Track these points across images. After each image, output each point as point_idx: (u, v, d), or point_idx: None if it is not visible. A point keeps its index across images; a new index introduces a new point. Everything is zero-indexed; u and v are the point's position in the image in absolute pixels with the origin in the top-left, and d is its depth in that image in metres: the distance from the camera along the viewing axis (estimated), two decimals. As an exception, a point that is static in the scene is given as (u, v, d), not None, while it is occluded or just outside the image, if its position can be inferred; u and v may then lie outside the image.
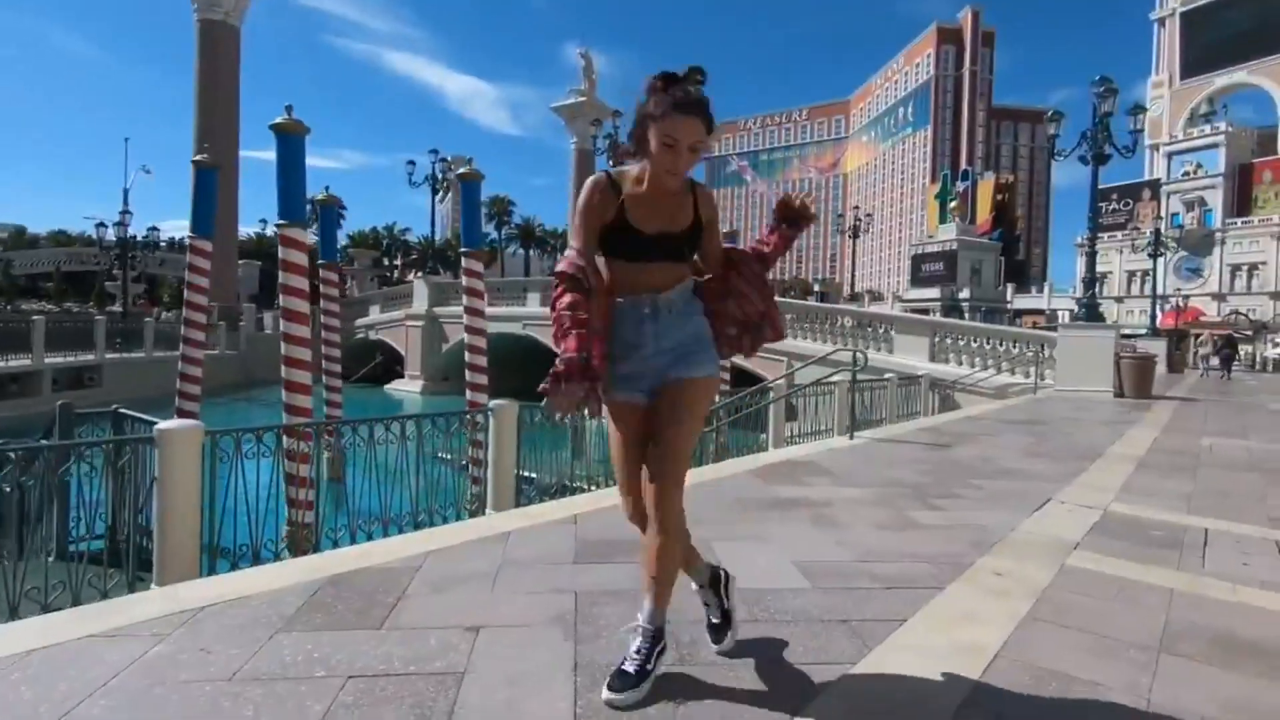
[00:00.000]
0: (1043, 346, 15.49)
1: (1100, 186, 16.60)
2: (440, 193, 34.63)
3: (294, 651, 2.03)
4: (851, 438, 6.95)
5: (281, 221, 9.54)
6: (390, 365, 29.95)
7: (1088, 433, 7.96)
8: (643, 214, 1.83)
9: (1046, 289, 70.92)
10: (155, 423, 4.47)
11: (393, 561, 2.84)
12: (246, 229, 51.13)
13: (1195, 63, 68.56)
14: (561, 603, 2.46)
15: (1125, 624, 2.45)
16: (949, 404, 13.52)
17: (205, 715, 1.71)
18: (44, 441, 5.68)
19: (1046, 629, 2.38)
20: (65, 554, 4.94)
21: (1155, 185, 65.62)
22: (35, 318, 20.28)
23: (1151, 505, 4.34)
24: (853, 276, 63.11)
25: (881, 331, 18.42)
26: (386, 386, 28.50)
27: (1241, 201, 61.09)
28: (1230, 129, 62.82)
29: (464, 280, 12.60)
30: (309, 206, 16.97)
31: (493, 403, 6.01)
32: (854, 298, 56.84)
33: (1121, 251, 64.75)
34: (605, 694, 1.80)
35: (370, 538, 5.05)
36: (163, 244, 44.16)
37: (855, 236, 50.42)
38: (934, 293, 59.41)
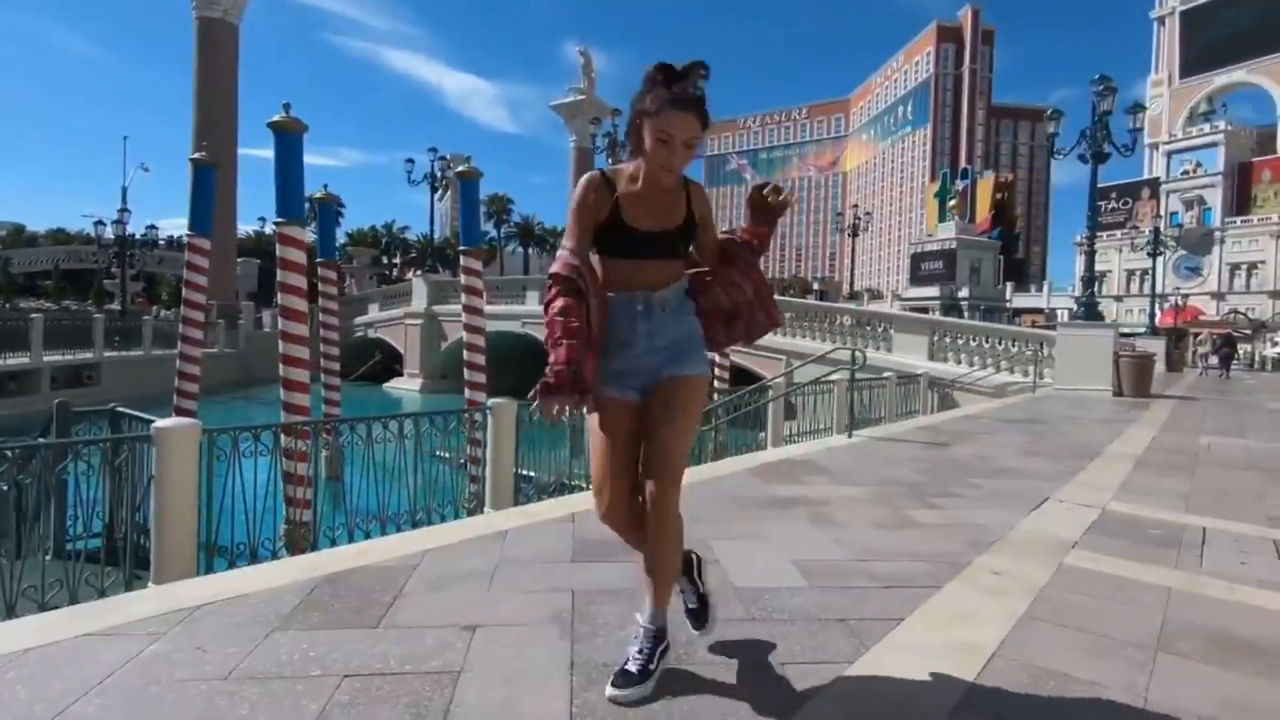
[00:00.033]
0: (1041, 345, 15.50)
1: (1099, 185, 16.61)
2: (439, 191, 34.63)
3: (290, 650, 2.03)
4: (850, 436, 6.95)
5: (280, 219, 9.52)
6: (389, 363, 29.93)
7: (1086, 431, 7.96)
8: (637, 211, 1.83)
9: (1046, 288, 70.90)
10: (153, 421, 4.46)
11: (390, 560, 2.83)
12: (245, 227, 51.10)
13: (1195, 61, 68.56)
14: (559, 601, 2.46)
15: (1123, 623, 2.45)
16: (948, 403, 13.52)
17: (200, 714, 1.71)
18: (41, 440, 5.67)
19: (1044, 628, 2.38)
20: (63, 552, 4.94)
21: (1154, 184, 65.63)
22: (34, 316, 20.27)
23: (1150, 504, 4.34)
24: (852, 275, 63.19)
25: (880, 330, 18.43)
26: (385, 385, 28.49)
27: (1241, 200, 61.12)
28: (1229, 128, 62.83)
29: (463, 279, 12.59)
30: (307, 204, 16.95)
31: (491, 401, 6.00)
32: (853, 296, 56.91)
33: (1121, 250, 64.77)
34: (609, 690, 1.80)
35: (368, 536, 5.05)
36: (161, 242, 44.18)
37: (854, 235, 50.47)
38: (933, 291, 59.42)
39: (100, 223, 33.11)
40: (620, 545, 2.13)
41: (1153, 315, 37.28)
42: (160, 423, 4.19)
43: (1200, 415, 10.43)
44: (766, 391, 9.41)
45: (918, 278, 65.54)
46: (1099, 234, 24.66)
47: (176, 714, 1.71)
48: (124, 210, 30.84)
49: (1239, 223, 59.44)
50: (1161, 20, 72.27)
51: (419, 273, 34.09)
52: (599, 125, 24.33)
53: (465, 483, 6.86)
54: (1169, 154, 65.95)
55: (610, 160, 21.16)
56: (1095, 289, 15.75)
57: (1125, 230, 65.00)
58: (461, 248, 13.12)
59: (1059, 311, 50.52)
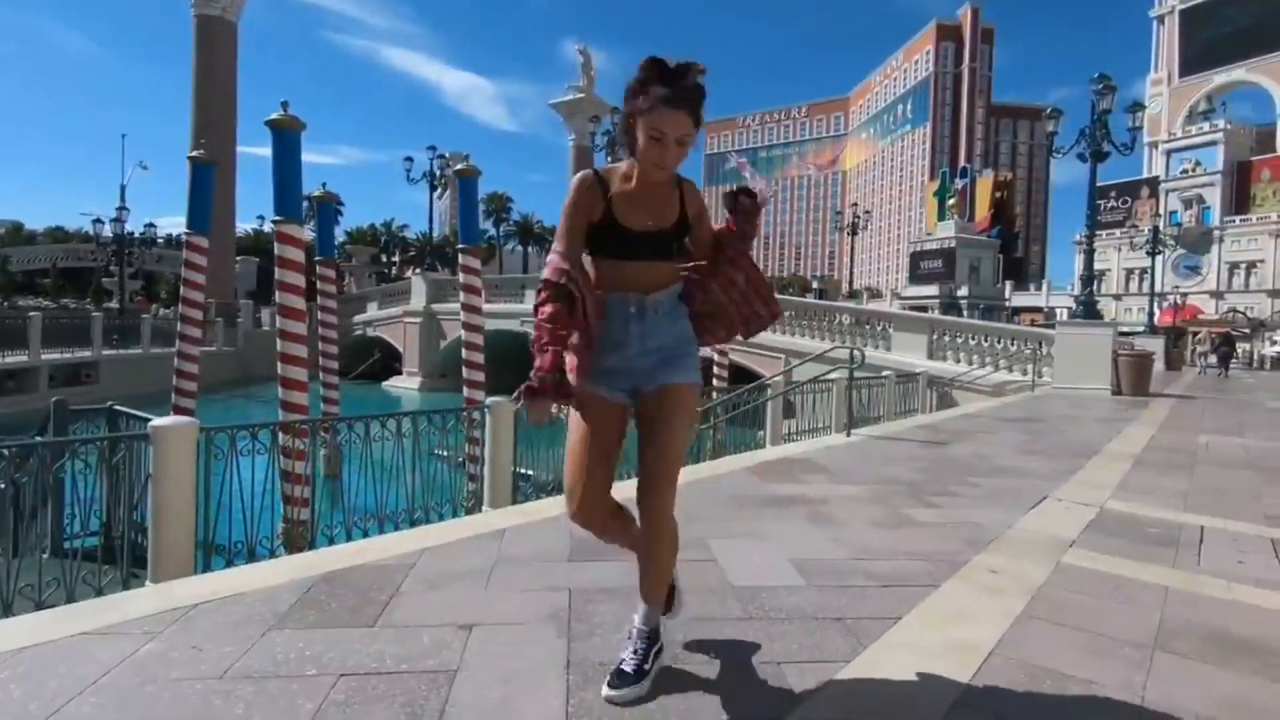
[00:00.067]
0: (1040, 344, 15.51)
1: (1099, 184, 16.61)
2: (438, 189, 34.61)
3: (286, 649, 2.03)
4: (849, 435, 6.95)
5: (278, 218, 9.50)
6: (388, 362, 29.92)
7: (1085, 430, 7.96)
8: (631, 211, 1.82)
9: (1045, 286, 70.93)
10: (150, 419, 4.46)
11: (387, 559, 2.83)
12: (244, 225, 51.00)
13: (1194, 60, 68.55)
14: (556, 600, 2.45)
15: (1120, 622, 2.45)
16: (947, 401, 13.53)
17: (196, 713, 1.70)
18: (38, 438, 5.66)
19: (1041, 627, 2.38)
20: (60, 551, 4.93)
21: (1154, 183, 65.61)
22: (32, 314, 20.24)
23: (1148, 503, 4.34)
24: (851, 274, 63.17)
25: (880, 329, 18.44)
26: (384, 383, 28.49)
27: (1240, 199, 61.11)
28: (1229, 127, 62.78)
29: (461, 277, 12.57)
30: (306, 203, 16.95)
31: (489, 400, 6.00)
32: (852, 295, 56.91)
33: (1120, 249, 64.76)
34: (605, 691, 1.80)
35: (366, 535, 5.04)
36: (160, 240, 44.13)
37: (854, 234, 50.46)
38: (932, 290, 59.46)
39: (99, 221, 33.13)
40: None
41: (1152, 314, 37.28)
42: (157, 421, 4.18)
43: (1199, 414, 10.44)
44: (765, 390, 9.41)
45: (917, 276, 65.58)
46: (1098, 233, 24.66)
47: (172, 713, 1.70)
48: (122, 208, 30.82)
49: (1238, 221, 59.44)
50: (1161, 19, 72.25)
51: (418, 271, 34.08)
52: (598, 123, 24.33)
53: (464, 481, 6.86)
54: (1168, 153, 65.93)
55: (610, 158, 21.14)
56: (1094, 288, 15.75)
57: (1124, 229, 65.01)
58: (460, 246, 13.09)
59: (1058, 310, 50.58)
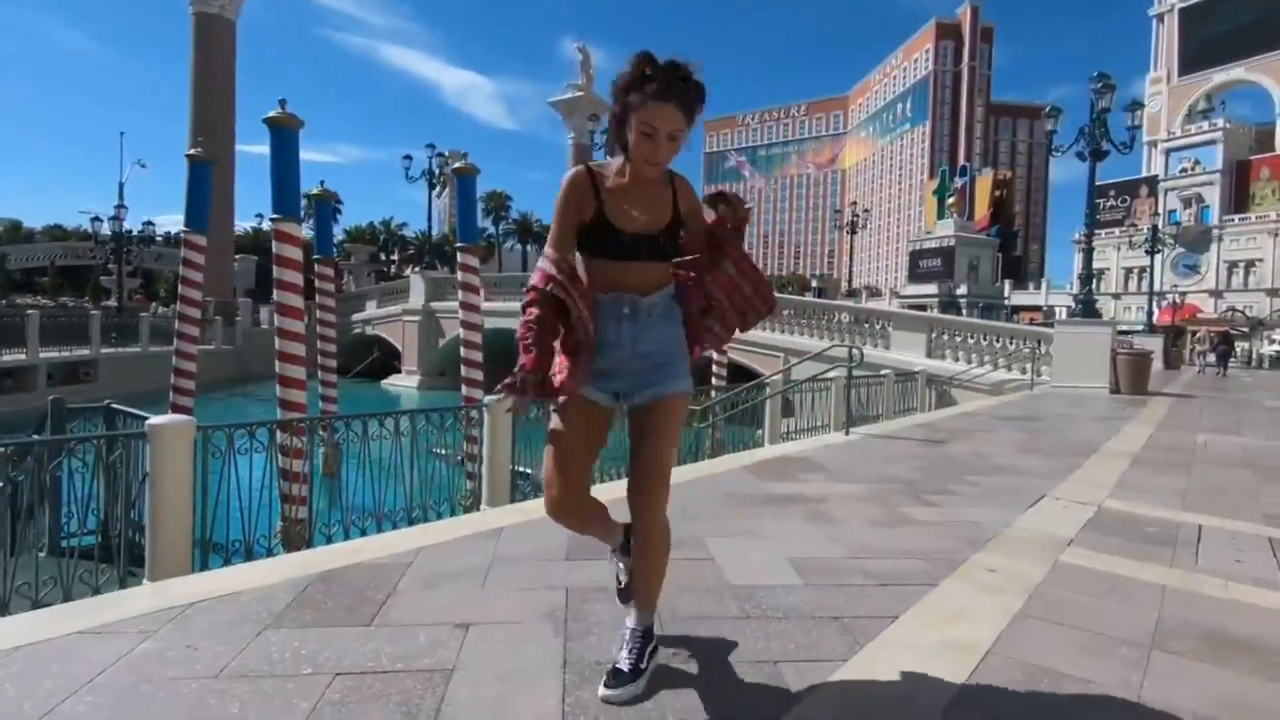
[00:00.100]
0: (1039, 343, 15.52)
1: (1098, 183, 16.60)
2: (437, 187, 34.59)
3: (282, 648, 2.02)
4: (847, 434, 6.95)
5: (276, 216, 9.49)
6: (387, 360, 29.91)
7: (1083, 429, 7.96)
8: (624, 210, 1.80)
9: (1044, 285, 71.00)
10: (147, 418, 4.45)
11: (384, 557, 2.82)
12: (243, 224, 50.96)
13: (1193, 59, 68.55)
14: (553, 599, 2.45)
15: (1118, 621, 2.44)
16: (945, 400, 13.53)
17: (191, 713, 1.70)
18: (36, 437, 5.65)
19: (1039, 626, 2.38)
20: (58, 549, 4.92)
21: (1153, 182, 65.65)
22: (30, 312, 20.20)
23: (1146, 502, 4.34)
24: (850, 272, 63.14)
25: (879, 327, 18.45)
26: (383, 381, 28.47)
27: (1239, 198, 61.16)
28: (1228, 125, 62.82)
29: (460, 275, 12.56)
30: (304, 201, 16.91)
31: (488, 398, 5.99)
32: (851, 294, 56.91)
33: (1119, 248, 64.80)
34: (602, 691, 1.79)
35: (364, 533, 5.04)
36: (159, 239, 44.08)
37: (853, 232, 50.47)
38: (932, 289, 59.53)
39: (97, 219, 33.04)
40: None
41: (1150, 313, 37.33)
42: (154, 420, 4.18)
43: (1197, 413, 10.44)
44: (764, 389, 9.41)
45: (916, 275, 65.64)
46: (1097, 231, 24.67)
47: (167, 712, 1.70)
48: (121, 207, 30.76)
49: (1237, 220, 59.48)
50: (1160, 17, 72.24)
51: (417, 270, 34.02)
52: (597, 121, 24.34)
53: (462, 480, 6.85)
54: (1167, 151, 65.97)
55: (609, 157, 21.10)
56: (1093, 286, 15.76)
57: (1124, 228, 65.04)
58: (459, 244, 13.08)
59: (1057, 309, 50.57)
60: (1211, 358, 26.54)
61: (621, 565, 2.12)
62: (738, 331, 2.04)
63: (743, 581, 2.68)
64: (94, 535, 4.82)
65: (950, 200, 71.39)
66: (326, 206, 16.33)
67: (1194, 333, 41.48)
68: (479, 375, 11.66)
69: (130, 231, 33.15)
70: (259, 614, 2.25)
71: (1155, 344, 22.01)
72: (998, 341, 16.62)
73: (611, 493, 2.78)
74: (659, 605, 2.41)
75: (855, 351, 7.74)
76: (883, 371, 11.90)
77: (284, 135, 9.35)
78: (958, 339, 17.01)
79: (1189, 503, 4.40)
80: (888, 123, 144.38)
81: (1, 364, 17.47)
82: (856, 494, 4.30)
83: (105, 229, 32.00)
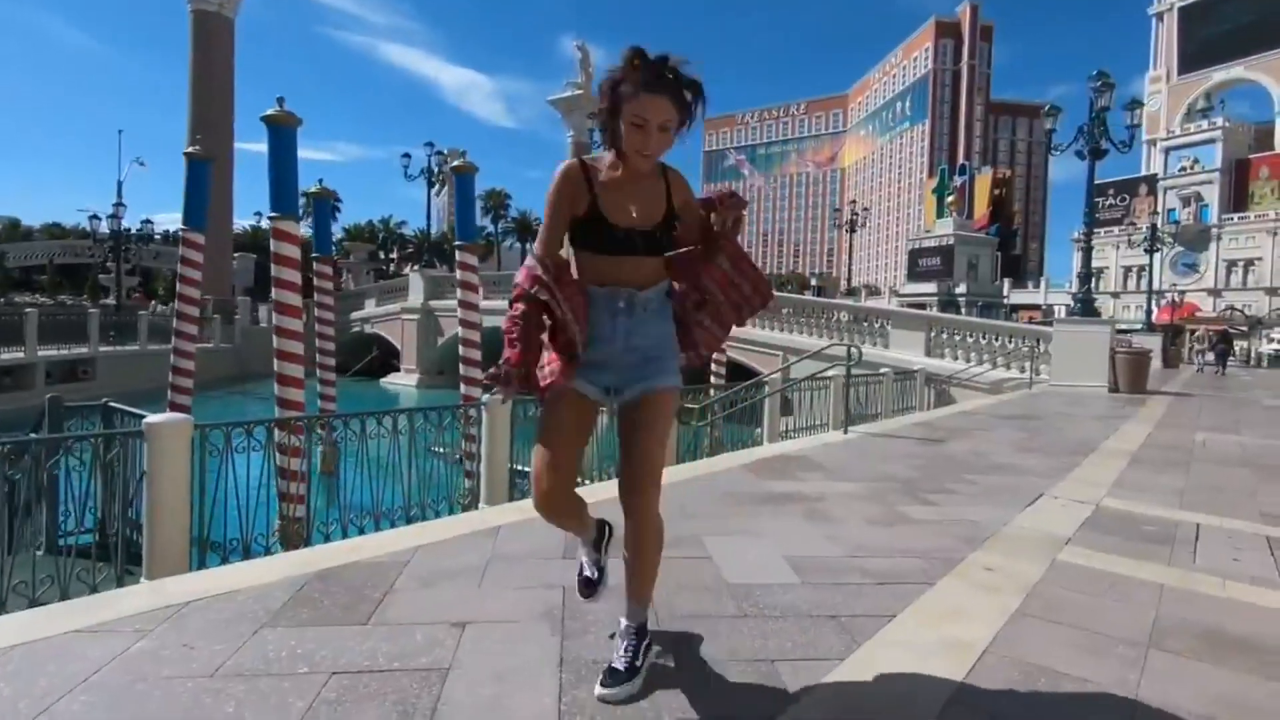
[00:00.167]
0: (1038, 341, 15.52)
1: (1097, 182, 16.60)
2: (436, 186, 34.59)
3: (278, 647, 2.02)
4: (846, 432, 6.94)
5: (274, 214, 9.48)
6: (386, 359, 29.90)
7: (1081, 428, 7.96)
8: (617, 204, 1.80)
9: (1043, 284, 70.98)
10: (145, 416, 4.44)
11: (382, 556, 2.82)
12: (242, 222, 50.98)
13: (1193, 58, 68.51)
14: (550, 598, 2.44)
15: (1115, 620, 2.44)
16: (944, 399, 13.53)
17: (186, 712, 1.69)
18: (33, 435, 5.65)
19: (1036, 624, 2.38)
20: (55, 548, 4.92)
21: (1152, 180, 65.63)
22: (28, 310, 20.18)
23: (1144, 500, 4.34)
24: (849, 271, 63.17)
25: (878, 326, 18.46)
26: (382, 380, 28.46)
27: (1238, 197, 61.15)
28: (1227, 124, 62.78)
29: (458, 274, 12.56)
30: (303, 199, 16.89)
31: (486, 396, 5.99)
32: (851, 292, 56.89)
33: (1118, 247, 64.73)
34: (598, 690, 1.79)
35: (362, 532, 5.03)
36: (157, 237, 44.02)
37: (852, 231, 50.47)
38: (931, 287, 59.56)
39: (95, 217, 32.98)
40: (613, 541, 2.13)
41: (1149, 311, 37.30)
42: (151, 418, 4.17)
43: (1196, 411, 10.45)
44: (763, 387, 9.41)
45: (915, 274, 65.67)
46: (1096, 230, 24.67)
47: (162, 711, 1.69)
48: (119, 205, 30.70)
49: (1236, 219, 59.46)
50: (1160, 16, 72.18)
51: (416, 268, 34.00)
52: (597, 120, 24.27)
53: (461, 478, 6.85)
54: (1167, 150, 65.94)
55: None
56: (1092, 285, 15.76)
57: (1123, 227, 64.97)
58: (457, 243, 13.08)
59: (1056, 308, 50.57)
60: (1210, 356, 26.55)
61: (586, 560, 2.15)
62: (733, 328, 2.03)
63: (740, 580, 2.68)
64: (91, 534, 4.82)
65: (949, 199, 71.39)
66: (325, 205, 16.33)
67: (1193, 331, 41.55)
68: (478, 374, 11.66)
69: (129, 230, 33.07)
70: (255, 613, 2.25)
71: (1154, 343, 22.01)
72: (996, 340, 16.63)
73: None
74: (656, 603, 2.42)
75: (854, 350, 7.74)
76: (881, 370, 11.90)
77: (282, 133, 9.35)
78: (956, 338, 17.02)
79: (1187, 501, 4.40)
80: (887, 121, 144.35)
81: (0, 362, 17.45)
82: (855, 493, 4.30)
83: (104, 227, 31.92)
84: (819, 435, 7.95)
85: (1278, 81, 63.18)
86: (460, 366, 11.91)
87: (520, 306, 1.81)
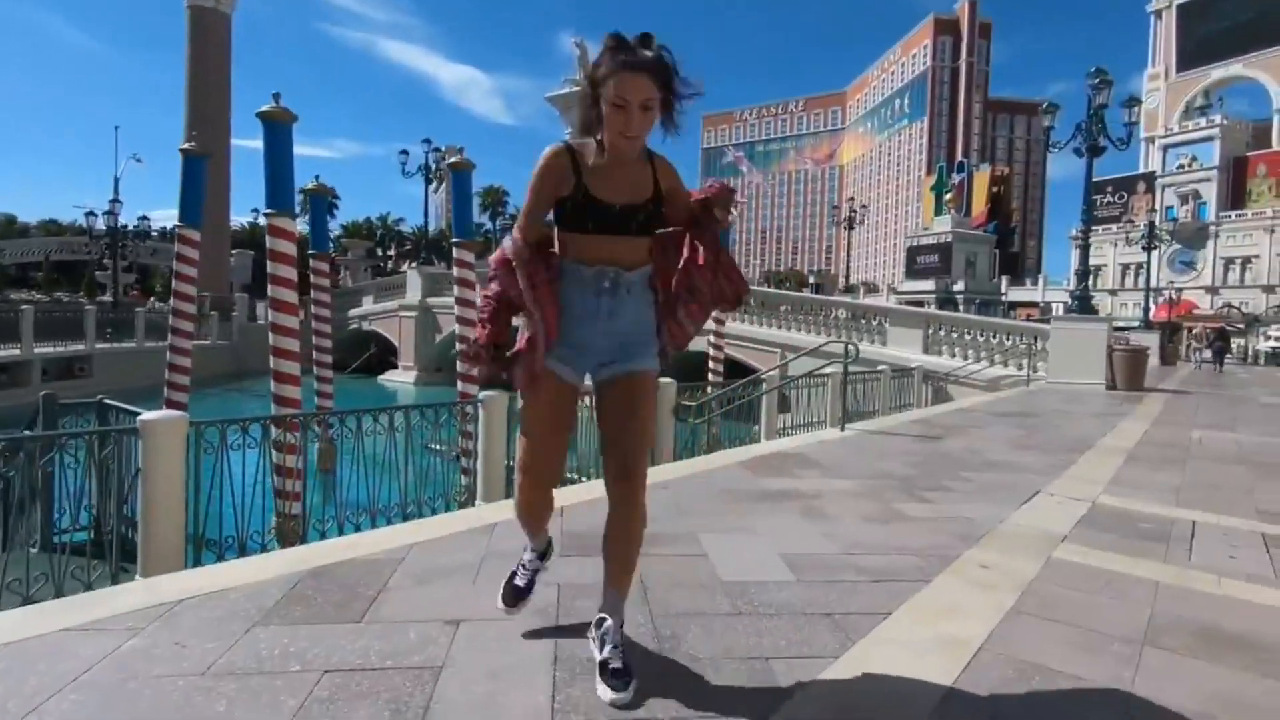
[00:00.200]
0: (1036, 339, 15.52)
1: (1095, 179, 16.60)
2: (434, 183, 34.43)
3: (270, 645, 2.01)
4: (843, 430, 6.94)
5: (269, 211, 9.45)
6: (384, 356, 29.85)
7: (1078, 425, 7.97)
8: (604, 185, 1.79)
9: (1041, 281, 70.99)
10: (139, 413, 4.43)
11: (377, 553, 2.81)
12: (240, 218, 50.85)
13: (1191, 55, 68.49)
14: (544, 595, 2.43)
15: (1111, 617, 2.44)
16: (942, 396, 13.55)
17: (177, 710, 1.68)
18: (27, 433, 5.62)
19: (1031, 622, 2.37)
20: (50, 545, 4.91)
21: (1150, 178, 65.63)
22: (24, 307, 20.11)
23: (1140, 498, 4.34)
24: (848, 268, 63.18)
25: (875, 323, 18.45)
26: (380, 377, 28.42)
27: (1236, 195, 61.18)
28: (1225, 122, 62.77)
29: (455, 271, 12.53)
30: (300, 196, 16.85)
31: (483, 393, 5.97)
32: (849, 290, 56.86)
33: (1116, 244, 64.75)
34: (610, 694, 1.73)
35: (358, 529, 5.02)
36: (155, 234, 43.83)
37: (851, 228, 50.46)
38: (929, 285, 59.56)
39: (92, 214, 32.85)
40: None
41: (1147, 309, 37.35)
42: (146, 415, 4.16)
43: (1193, 409, 10.46)
44: (760, 384, 9.41)
45: (913, 271, 65.65)
46: (1094, 228, 24.67)
47: (152, 710, 1.68)
48: (115, 201, 30.59)
49: (1234, 217, 59.51)
50: (1158, 14, 72.13)
51: (414, 265, 33.92)
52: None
53: (457, 475, 6.84)
54: (1165, 148, 65.93)
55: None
56: (1090, 283, 15.75)
57: (1121, 224, 64.99)
58: (455, 240, 13.05)
59: (1054, 305, 50.62)
60: (1207, 354, 26.58)
61: (525, 568, 2.16)
62: (717, 313, 2.03)
63: (735, 578, 2.68)
64: (86, 531, 4.80)
65: (948, 196, 71.34)
66: (322, 201, 16.30)
67: (1190, 329, 41.59)
68: (475, 371, 11.64)
69: (125, 226, 32.93)
70: (248, 611, 2.24)
71: (1151, 340, 22.01)
72: (994, 338, 16.63)
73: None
74: (650, 600, 2.42)
75: (852, 347, 7.73)
76: (879, 367, 11.91)
77: (277, 129, 9.32)
78: (954, 335, 17.02)
79: (1183, 499, 4.40)
80: (886, 119, 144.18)
81: (-4, 359, 17.41)
82: (851, 490, 4.30)
83: (100, 224, 31.80)
84: (816, 432, 7.95)
85: (1276, 79, 63.20)
86: (457, 364, 11.89)
87: (494, 287, 1.84)
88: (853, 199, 60.79)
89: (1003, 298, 63.65)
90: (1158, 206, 58.06)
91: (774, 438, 8.52)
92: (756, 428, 9.20)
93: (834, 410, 8.94)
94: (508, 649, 2.04)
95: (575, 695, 1.78)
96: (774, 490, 4.20)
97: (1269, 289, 55.31)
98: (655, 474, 4.64)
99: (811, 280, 66.46)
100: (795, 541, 3.19)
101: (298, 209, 14.08)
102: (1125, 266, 64.49)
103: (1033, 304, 61.24)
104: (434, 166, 32.60)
